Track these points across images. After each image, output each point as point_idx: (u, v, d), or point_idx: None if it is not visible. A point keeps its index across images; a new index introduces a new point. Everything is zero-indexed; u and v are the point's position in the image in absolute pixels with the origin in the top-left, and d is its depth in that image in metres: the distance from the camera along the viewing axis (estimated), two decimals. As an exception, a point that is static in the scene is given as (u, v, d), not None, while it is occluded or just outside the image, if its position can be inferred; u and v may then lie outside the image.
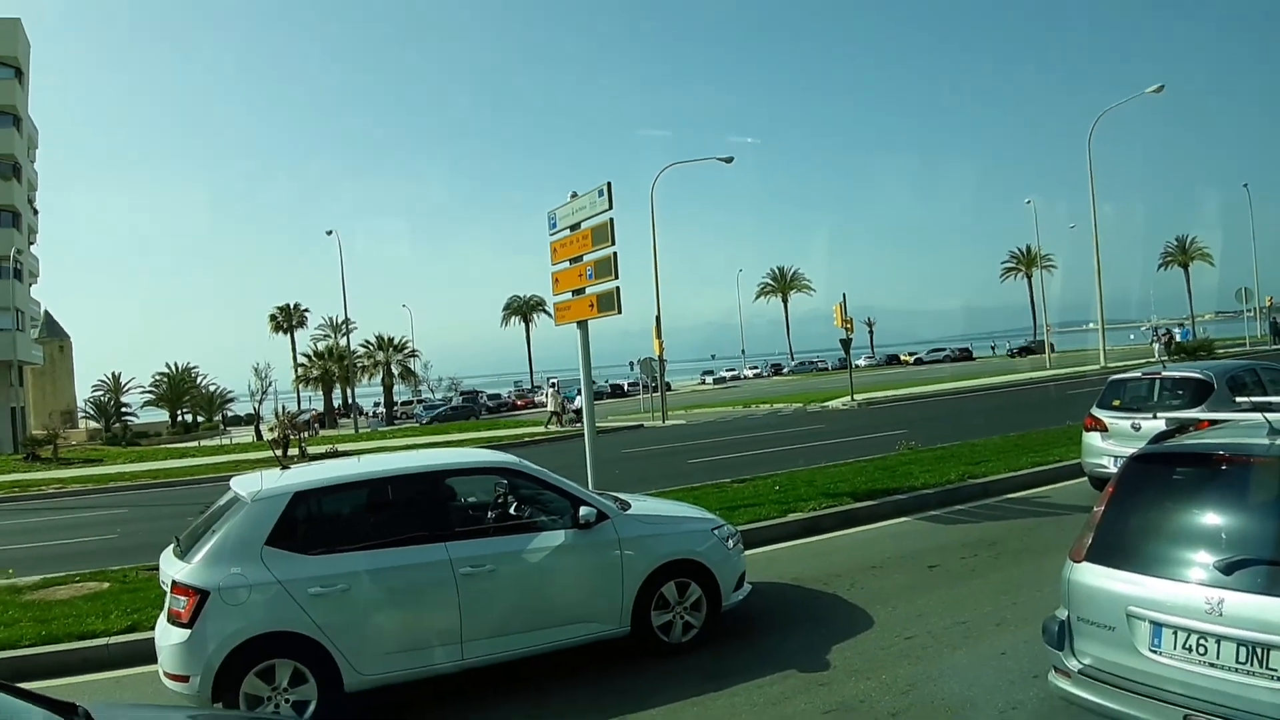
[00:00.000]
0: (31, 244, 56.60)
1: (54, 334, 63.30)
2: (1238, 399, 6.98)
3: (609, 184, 10.07)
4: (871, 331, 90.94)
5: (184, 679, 5.32)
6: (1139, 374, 11.39)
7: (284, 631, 5.43)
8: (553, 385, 38.39)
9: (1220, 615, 3.65)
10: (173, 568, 5.66)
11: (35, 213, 58.46)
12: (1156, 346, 46.52)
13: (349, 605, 5.57)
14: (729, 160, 41.10)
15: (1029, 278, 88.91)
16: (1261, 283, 62.64)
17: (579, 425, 33.75)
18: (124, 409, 68.46)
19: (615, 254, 10.11)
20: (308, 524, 5.87)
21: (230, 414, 76.64)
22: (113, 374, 70.35)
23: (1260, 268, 66.07)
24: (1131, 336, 68.88)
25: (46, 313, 62.38)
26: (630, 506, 6.86)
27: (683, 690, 5.71)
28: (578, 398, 37.43)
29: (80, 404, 69.28)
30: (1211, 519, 4.05)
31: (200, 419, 72.09)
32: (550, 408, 36.10)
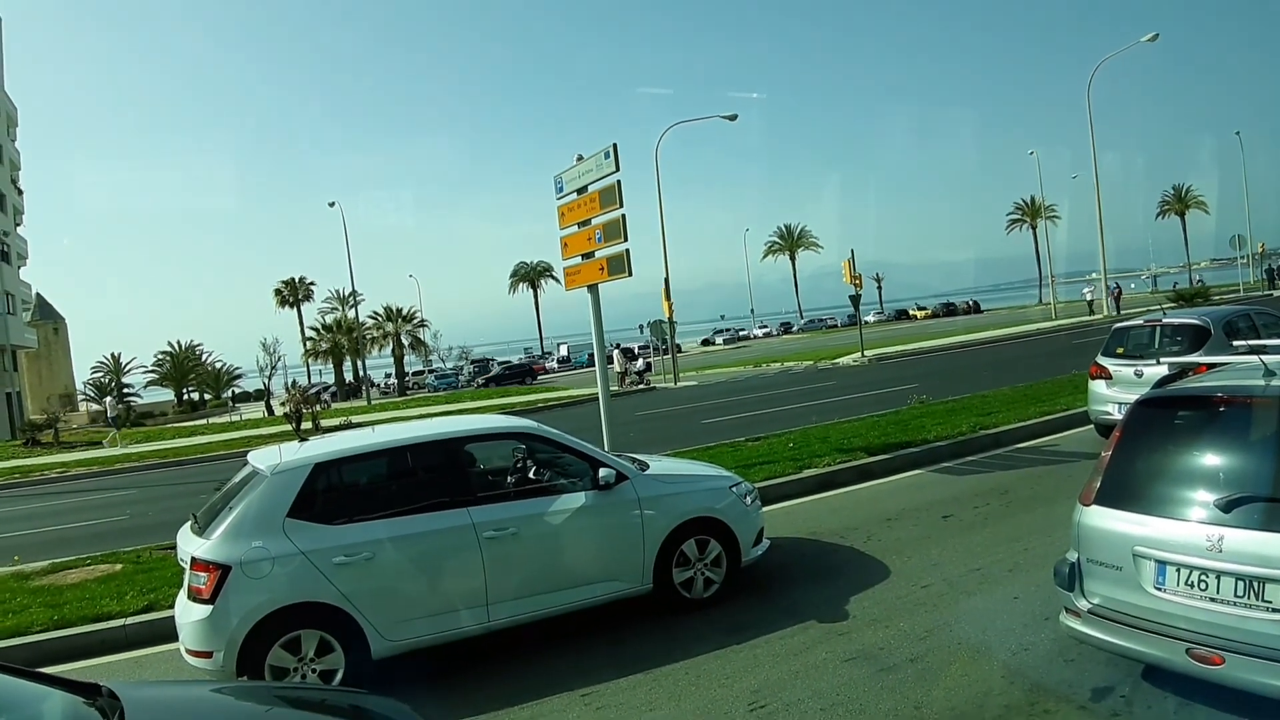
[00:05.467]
0: (18, 225, 54.99)
1: (47, 316, 62.46)
2: (1234, 343, 7.07)
3: (614, 145, 10.06)
4: (880, 287, 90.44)
5: (207, 655, 5.35)
6: (1141, 321, 11.51)
7: (309, 602, 5.47)
8: (617, 347, 38.47)
9: (1220, 551, 3.80)
10: (191, 545, 5.65)
11: (20, 193, 56.56)
12: (1107, 300, 46.94)
13: (374, 573, 5.63)
14: (733, 118, 40.69)
15: (1034, 229, 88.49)
16: (1255, 229, 62.60)
17: (641, 386, 34.25)
18: (126, 389, 68.37)
19: (624, 216, 10.10)
20: (329, 494, 5.92)
21: (239, 390, 76.62)
22: (113, 354, 70.44)
23: (1253, 214, 66.24)
24: (1133, 285, 68.81)
25: (39, 295, 61.52)
26: (649, 467, 6.95)
27: (705, 644, 5.83)
28: (640, 359, 37.71)
29: (80, 386, 68.87)
30: (1211, 459, 4.19)
31: (207, 396, 72.16)
32: (615, 369, 36.38)
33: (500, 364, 70.31)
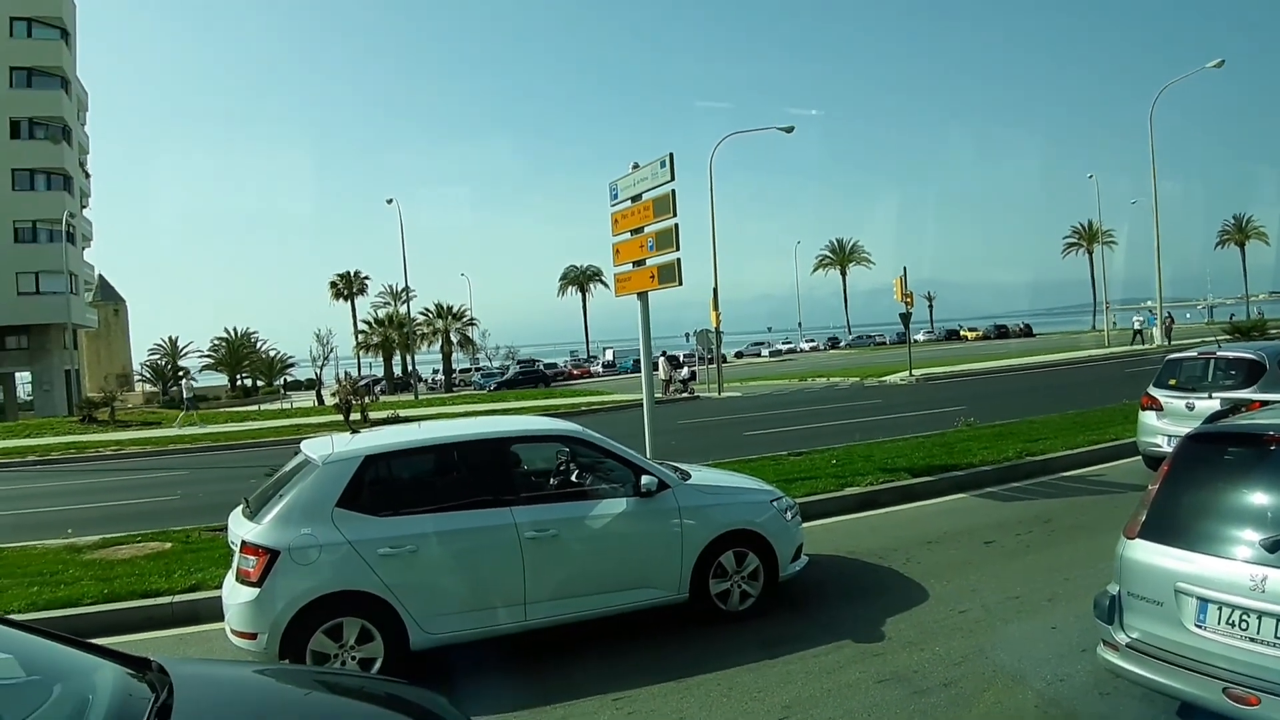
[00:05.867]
0: (84, 208, 56.21)
1: (108, 298, 63.67)
2: None
3: (670, 155, 10.09)
4: (931, 306, 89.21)
5: (251, 636, 5.49)
6: (1194, 354, 11.33)
7: (353, 591, 5.58)
8: (664, 354, 38.51)
9: (1263, 592, 3.75)
10: (242, 528, 5.80)
11: (87, 176, 57.86)
12: (1156, 331, 45.67)
13: (417, 566, 5.74)
14: (789, 130, 40.42)
15: (1090, 254, 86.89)
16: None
17: (685, 395, 34.29)
18: (181, 372, 70.05)
19: (676, 225, 10.13)
20: (377, 486, 6.05)
21: (290, 379, 77.91)
22: (169, 338, 72.20)
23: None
24: (1188, 315, 67.09)
25: (101, 276, 62.73)
26: (690, 476, 6.97)
27: (739, 657, 5.84)
28: (685, 368, 37.71)
29: (136, 367, 70.23)
30: (1260, 498, 4.12)
31: (260, 383, 73.41)
32: (660, 376, 36.45)
33: (519, 364, 70.70)
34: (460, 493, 6.21)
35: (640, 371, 11.69)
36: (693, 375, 37.74)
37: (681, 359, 42.42)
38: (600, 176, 11.32)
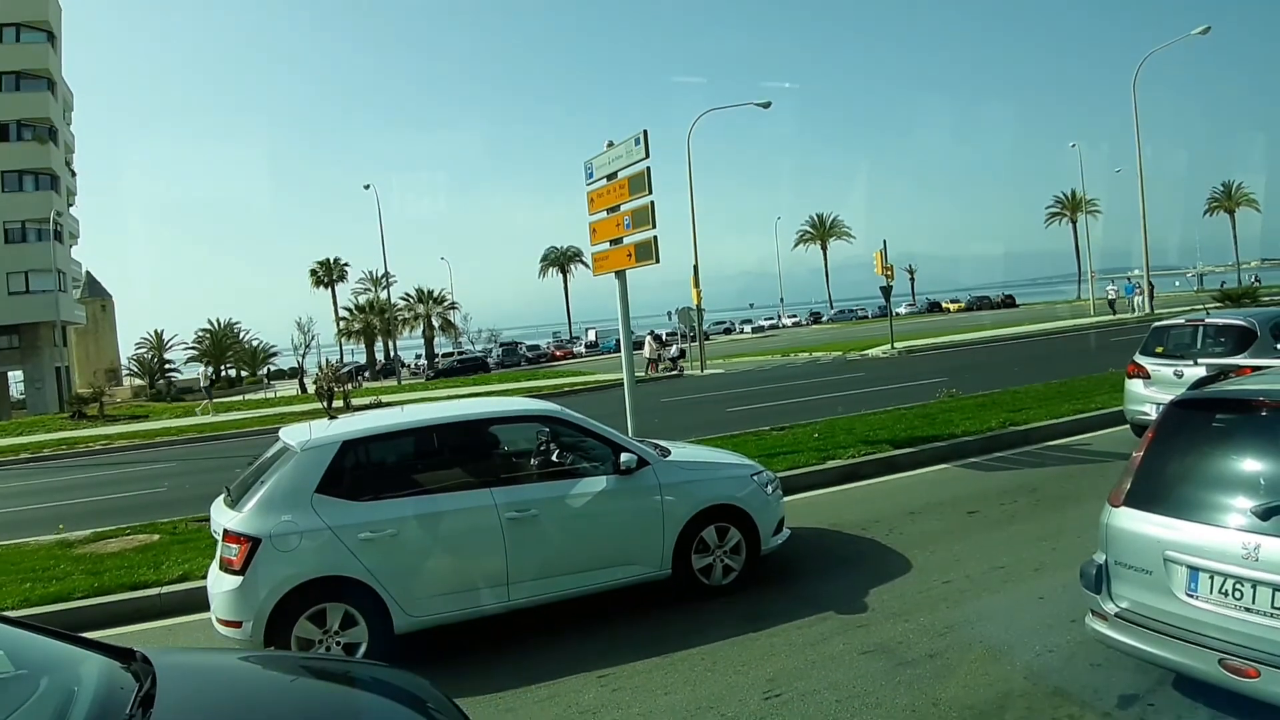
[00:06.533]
0: (70, 205, 57.32)
1: (95, 293, 63.67)
2: None
3: (645, 132, 10.03)
4: (913, 279, 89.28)
5: (236, 624, 5.49)
6: (1182, 321, 11.28)
7: (335, 576, 5.58)
8: (651, 334, 38.51)
9: (1257, 560, 3.68)
10: (224, 517, 5.80)
11: (73, 174, 59.07)
12: (1139, 299, 45.42)
13: (398, 549, 5.72)
14: (766, 105, 40.47)
15: (1073, 223, 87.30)
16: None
17: (674, 373, 34.28)
18: (168, 365, 69.73)
19: (652, 202, 10.10)
20: (356, 471, 6.02)
21: (274, 368, 77.68)
22: (155, 331, 71.63)
23: (1305, 213, 64.42)
24: (1176, 283, 67.33)
25: (88, 273, 63.05)
26: (670, 453, 6.96)
27: (722, 630, 5.84)
28: (673, 346, 37.73)
29: (124, 361, 70.24)
30: (1251, 465, 4.05)
31: (244, 374, 73.17)
32: (646, 355, 36.55)
33: (501, 346, 70.48)
34: (440, 475, 6.20)
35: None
36: (681, 353, 37.74)
37: (665, 337, 42.39)
38: (578, 156, 11.22)
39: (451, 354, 72.38)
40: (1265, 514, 3.72)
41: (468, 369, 58.56)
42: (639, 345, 37.67)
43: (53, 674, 2.76)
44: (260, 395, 50.38)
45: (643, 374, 34.07)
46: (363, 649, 5.59)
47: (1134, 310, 45.28)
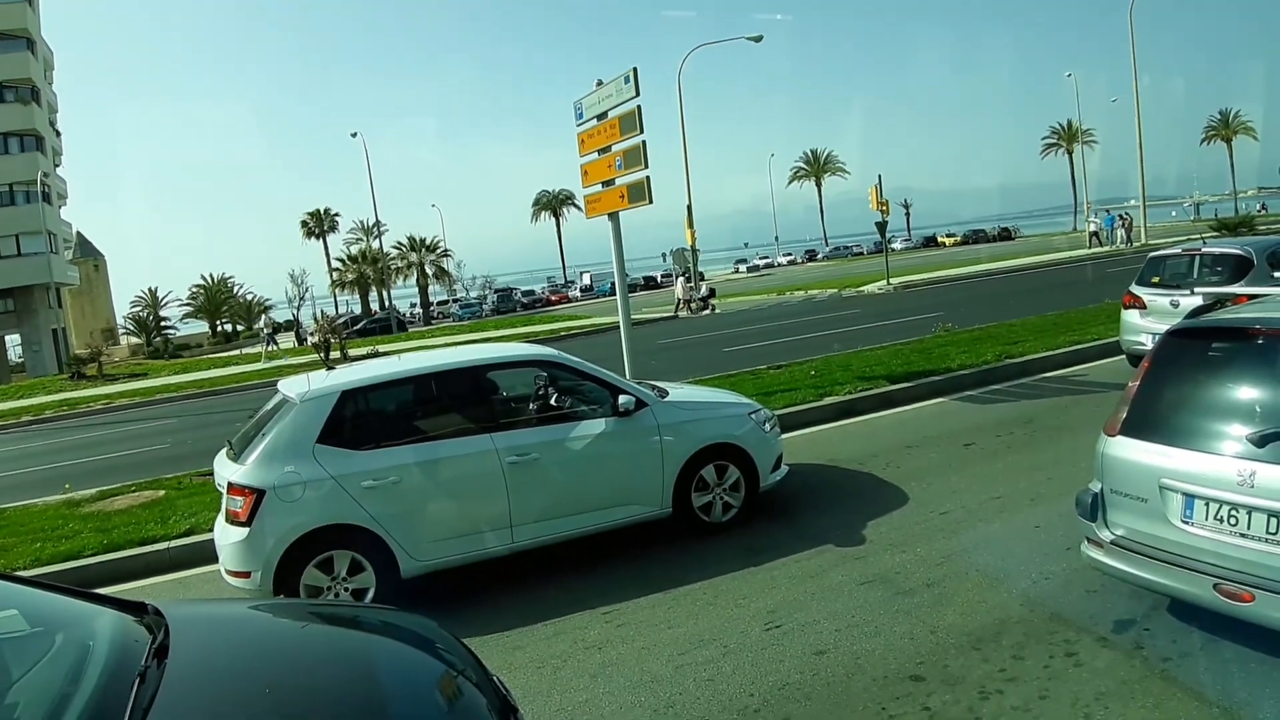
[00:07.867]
0: (57, 166, 56.72)
1: (88, 254, 63.04)
2: (1276, 274, 6.83)
3: (635, 69, 9.84)
4: (908, 213, 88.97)
5: (245, 575, 5.58)
6: (1178, 250, 11.25)
7: (340, 524, 5.65)
8: (684, 275, 38.28)
9: (1252, 487, 3.71)
10: (227, 470, 5.84)
11: (58, 134, 58.38)
12: (1120, 232, 44.52)
13: (401, 496, 5.78)
14: (758, 39, 39.87)
15: (1070, 154, 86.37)
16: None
17: (705, 313, 34.25)
18: (164, 323, 69.49)
19: (644, 142, 9.95)
20: (356, 421, 6.07)
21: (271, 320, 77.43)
22: (150, 289, 71.31)
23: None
24: (1174, 213, 66.74)
25: (79, 233, 62.56)
26: (668, 394, 7.00)
27: (723, 566, 5.93)
28: (704, 286, 37.65)
29: (120, 320, 69.99)
30: (1246, 392, 4.08)
31: (240, 328, 73.04)
32: (679, 294, 36.77)
33: (496, 293, 69.74)
34: (440, 422, 6.25)
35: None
36: (712, 292, 37.41)
37: (690, 278, 41.66)
38: (569, 97, 11.05)
39: (447, 301, 71.98)
40: (1261, 441, 3.74)
41: (376, 330, 53.99)
42: (654, 285, 37.57)
43: (68, 630, 2.80)
44: (256, 349, 50.11)
45: (674, 313, 34.91)
46: (371, 594, 5.67)
47: (1113, 243, 44.09)
